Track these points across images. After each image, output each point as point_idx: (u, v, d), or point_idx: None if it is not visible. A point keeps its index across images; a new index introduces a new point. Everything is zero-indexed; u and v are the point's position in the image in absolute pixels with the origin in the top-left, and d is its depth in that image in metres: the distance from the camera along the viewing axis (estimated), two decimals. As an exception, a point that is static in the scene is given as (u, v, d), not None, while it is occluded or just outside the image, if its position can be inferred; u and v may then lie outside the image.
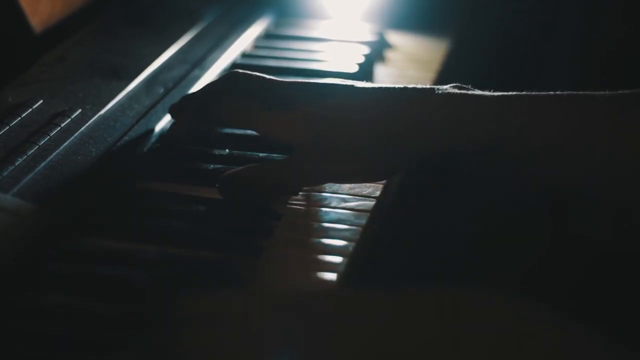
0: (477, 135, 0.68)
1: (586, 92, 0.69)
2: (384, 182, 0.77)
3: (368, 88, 0.73)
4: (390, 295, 0.47)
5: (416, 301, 0.46)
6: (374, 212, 0.73)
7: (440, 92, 0.70)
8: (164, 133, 0.81)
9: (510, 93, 0.70)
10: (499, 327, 0.44)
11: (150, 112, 0.82)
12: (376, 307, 0.47)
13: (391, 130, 0.69)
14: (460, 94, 0.70)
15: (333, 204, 0.73)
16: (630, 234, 0.81)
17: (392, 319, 0.45)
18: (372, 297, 0.48)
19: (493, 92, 0.71)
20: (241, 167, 0.72)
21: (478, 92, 0.71)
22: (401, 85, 0.72)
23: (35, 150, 0.73)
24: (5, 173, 0.70)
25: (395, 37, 1.08)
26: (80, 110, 0.80)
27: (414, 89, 0.72)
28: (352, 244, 0.69)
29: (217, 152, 0.78)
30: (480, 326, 0.44)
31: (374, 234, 0.74)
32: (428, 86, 0.72)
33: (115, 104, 0.83)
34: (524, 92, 0.70)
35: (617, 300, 0.84)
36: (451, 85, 0.72)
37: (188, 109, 0.77)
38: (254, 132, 0.81)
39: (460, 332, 0.44)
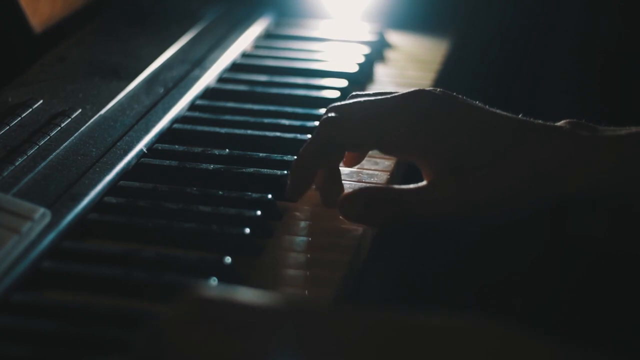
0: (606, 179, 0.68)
1: None
2: (384, 181, 0.77)
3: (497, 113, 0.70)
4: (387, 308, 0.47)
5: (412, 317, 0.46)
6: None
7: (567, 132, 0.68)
8: (163, 132, 0.81)
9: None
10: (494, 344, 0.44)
11: (150, 112, 0.82)
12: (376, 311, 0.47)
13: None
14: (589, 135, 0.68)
15: (333, 204, 0.73)
16: (631, 233, 0.81)
17: (392, 326, 0.46)
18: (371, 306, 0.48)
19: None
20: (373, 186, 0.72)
21: (605, 131, 0.69)
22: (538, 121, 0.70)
23: (35, 150, 0.73)
24: (5, 173, 0.70)
25: (395, 37, 1.08)
26: (80, 110, 0.80)
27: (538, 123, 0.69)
28: (352, 244, 0.69)
29: (217, 152, 0.78)
30: (478, 343, 0.44)
31: (374, 234, 0.74)
32: (551, 124, 0.70)
33: (115, 104, 0.83)
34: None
35: (617, 300, 0.84)
36: (566, 121, 0.69)
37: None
38: (254, 132, 0.82)
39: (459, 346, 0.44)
